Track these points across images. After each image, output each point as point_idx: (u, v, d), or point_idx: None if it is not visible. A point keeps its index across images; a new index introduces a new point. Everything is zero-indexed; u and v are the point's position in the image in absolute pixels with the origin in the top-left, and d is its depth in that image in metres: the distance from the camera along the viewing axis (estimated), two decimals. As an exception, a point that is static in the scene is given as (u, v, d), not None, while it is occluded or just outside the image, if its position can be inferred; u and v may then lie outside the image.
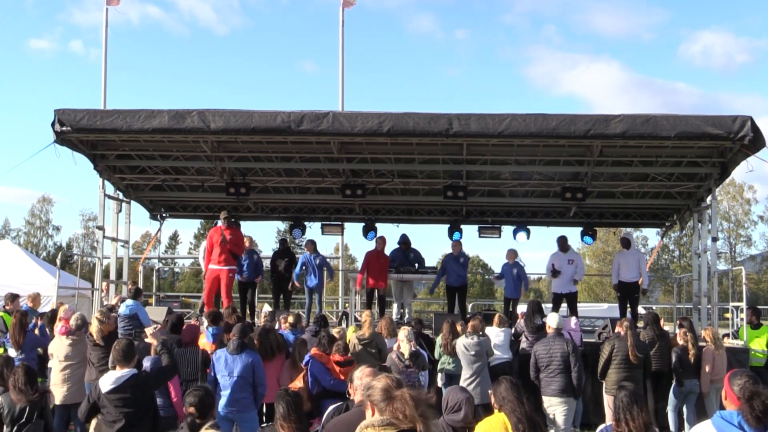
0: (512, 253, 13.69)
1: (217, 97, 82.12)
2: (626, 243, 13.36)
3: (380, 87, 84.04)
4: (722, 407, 4.36)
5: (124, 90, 74.12)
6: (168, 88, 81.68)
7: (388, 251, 13.97)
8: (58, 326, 9.10)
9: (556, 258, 13.20)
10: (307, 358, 8.13)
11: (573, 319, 11.10)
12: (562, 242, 13.32)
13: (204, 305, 13.17)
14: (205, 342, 8.94)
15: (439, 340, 10.02)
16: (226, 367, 7.48)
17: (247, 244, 13.19)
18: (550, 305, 13.34)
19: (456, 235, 15.36)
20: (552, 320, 8.84)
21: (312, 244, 13.94)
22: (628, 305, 13.18)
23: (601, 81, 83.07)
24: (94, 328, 8.54)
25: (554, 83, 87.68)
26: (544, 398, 8.39)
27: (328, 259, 14.58)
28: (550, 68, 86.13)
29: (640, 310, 21.15)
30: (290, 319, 10.40)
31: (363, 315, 10.19)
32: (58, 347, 8.67)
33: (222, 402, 7.46)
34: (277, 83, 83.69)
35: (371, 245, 14.05)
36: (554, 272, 13.03)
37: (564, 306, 13.31)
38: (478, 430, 4.78)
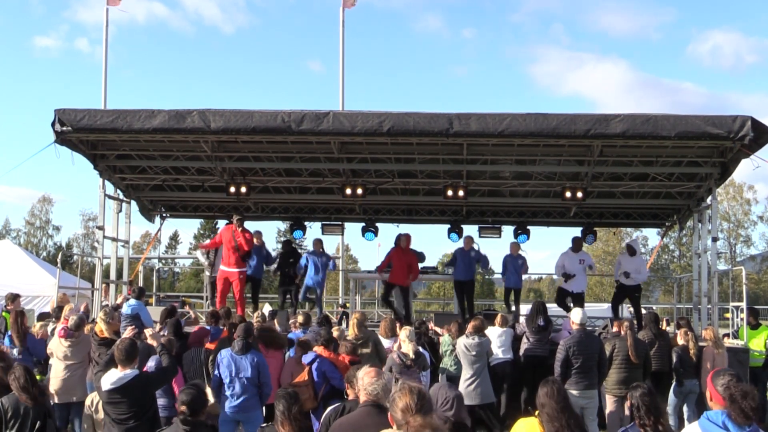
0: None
1: (221, 97, 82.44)
2: (632, 251, 13.40)
3: (387, 86, 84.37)
4: (708, 408, 4.37)
5: (128, 89, 74.37)
6: (173, 87, 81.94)
7: (386, 249, 14.01)
8: (59, 326, 9.13)
9: (566, 258, 13.20)
10: (311, 356, 8.11)
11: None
12: (577, 243, 13.40)
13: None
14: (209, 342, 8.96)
15: (447, 339, 9.99)
16: (232, 368, 7.48)
17: (255, 240, 13.19)
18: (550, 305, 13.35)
19: (455, 236, 15.42)
20: (576, 316, 8.89)
21: (319, 243, 13.98)
22: (630, 306, 13.31)
23: (607, 80, 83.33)
24: (99, 327, 8.58)
25: (559, 82, 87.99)
26: (575, 393, 8.45)
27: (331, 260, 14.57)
28: (556, 67, 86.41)
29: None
30: (300, 319, 10.44)
31: (352, 316, 10.14)
32: (58, 347, 8.71)
33: (228, 402, 7.47)
34: (283, 82, 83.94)
35: (372, 245, 14.10)
36: (566, 275, 13.04)
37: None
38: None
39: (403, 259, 13.23)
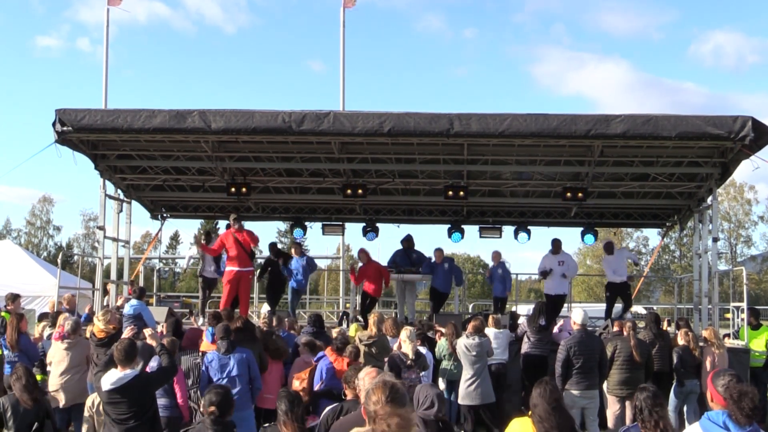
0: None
1: (222, 97, 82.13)
2: (610, 249, 13.47)
3: (388, 86, 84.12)
4: (709, 408, 4.36)
5: (129, 89, 74.21)
6: (174, 87, 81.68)
7: (389, 250, 14.12)
8: (55, 332, 9.13)
9: (547, 260, 13.27)
10: (320, 354, 8.08)
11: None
12: (556, 244, 13.39)
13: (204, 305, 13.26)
14: (205, 342, 8.95)
15: (444, 343, 9.99)
16: (221, 369, 7.50)
17: None
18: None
19: (455, 237, 15.42)
20: (577, 316, 8.90)
21: (298, 246, 14.22)
22: (621, 305, 13.40)
23: (608, 80, 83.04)
24: (97, 327, 8.57)
25: (560, 82, 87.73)
26: (576, 393, 8.45)
27: (314, 259, 14.71)
28: (558, 67, 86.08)
29: (641, 310, 21.19)
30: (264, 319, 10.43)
31: (371, 316, 10.18)
32: (55, 353, 8.70)
33: None
34: (284, 83, 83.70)
35: (372, 245, 14.18)
36: (544, 273, 13.13)
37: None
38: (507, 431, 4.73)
39: (370, 271, 13.42)
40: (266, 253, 15.23)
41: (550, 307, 13.11)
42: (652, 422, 4.50)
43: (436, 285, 13.90)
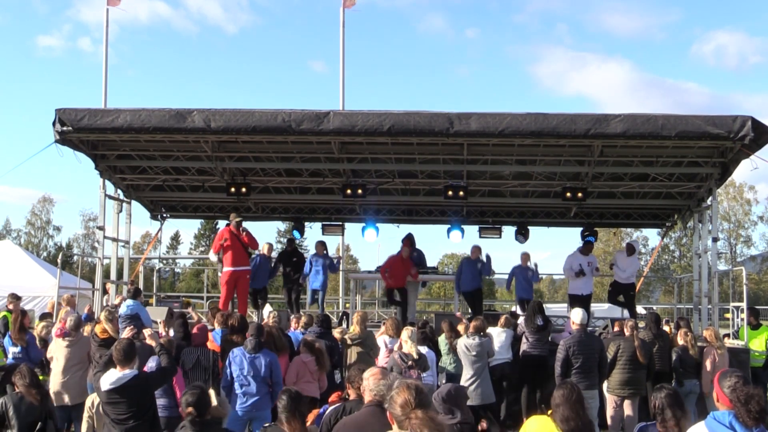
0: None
1: (224, 97, 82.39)
2: (632, 250, 13.39)
3: (389, 87, 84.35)
4: (713, 408, 4.36)
5: (131, 88, 74.24)
6: (176, 87, 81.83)
7: (389, 250, 14.03)
8: (56, 328, 9.13)
9: (574, 259, 13.04)
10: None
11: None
12: (587, 246, 13.43)
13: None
14: (211, 342, 8.92)
15: (442, 339, 10.01)
16: (245, 367, 7.48)
17: (265, 250, 13.58)
18: (551, 305, 13.39)
19: (456, 236, 15.38)
20: (577, 317, 8.90)
21: (321, 245, 14.07)
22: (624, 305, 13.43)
23: (611, 81, 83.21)
24: (101, 327, 8.57)
25: (562, 82, 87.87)
26: None
27: (335, 260, 14.64)
28: (560, 67, 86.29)
29: (641, 310, 21.19)
30: (304, 319, 10.44)
31: (355, 315, 10.17)
32: (57, 349, 8.70)
33: (239, 401, 7.48)
34: (285, 83, 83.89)
35: (373, 245, 14.19)
36: (579, 273, 12.85)
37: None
38: (524, 429, 4.75)
39: (401, 267, 13.23)
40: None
41: (579, 306, 13.03)
42: (673, 421, 4.50)
43: (465, 286, 13.51)
